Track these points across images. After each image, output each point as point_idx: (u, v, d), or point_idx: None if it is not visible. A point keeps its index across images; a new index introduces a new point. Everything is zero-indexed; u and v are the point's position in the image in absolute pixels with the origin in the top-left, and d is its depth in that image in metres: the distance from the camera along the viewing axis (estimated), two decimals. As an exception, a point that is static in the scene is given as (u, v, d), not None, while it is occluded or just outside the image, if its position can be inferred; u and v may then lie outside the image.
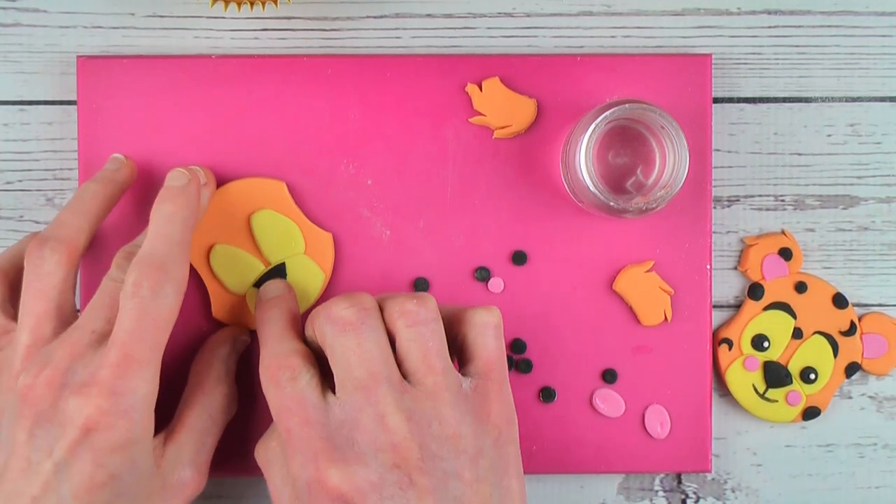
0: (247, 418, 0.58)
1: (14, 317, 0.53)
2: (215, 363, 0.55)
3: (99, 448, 0.47)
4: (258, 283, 0.57)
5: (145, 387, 0.48)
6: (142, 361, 0.48)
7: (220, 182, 0.58)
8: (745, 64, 0.60)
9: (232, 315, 0.58)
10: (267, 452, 0.50)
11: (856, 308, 0.60)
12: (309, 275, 0.57)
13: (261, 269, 0.57)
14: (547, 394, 0.59)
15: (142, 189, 0.58)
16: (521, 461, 0.50)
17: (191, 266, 0.57)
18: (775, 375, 0.59)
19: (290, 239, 0.57)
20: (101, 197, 0.54)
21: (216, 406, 0.54)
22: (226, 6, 0.56)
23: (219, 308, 0.58)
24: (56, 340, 0.49)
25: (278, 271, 0.57)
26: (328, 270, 0.58)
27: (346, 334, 0.48)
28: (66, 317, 0.51)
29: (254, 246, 0.57)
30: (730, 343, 0.59)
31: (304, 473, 0.46)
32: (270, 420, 0.58)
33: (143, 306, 0.48)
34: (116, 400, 0.47)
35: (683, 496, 0.60)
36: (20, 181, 0.59)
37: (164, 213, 0.51)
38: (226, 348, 0.56)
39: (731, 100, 0.60)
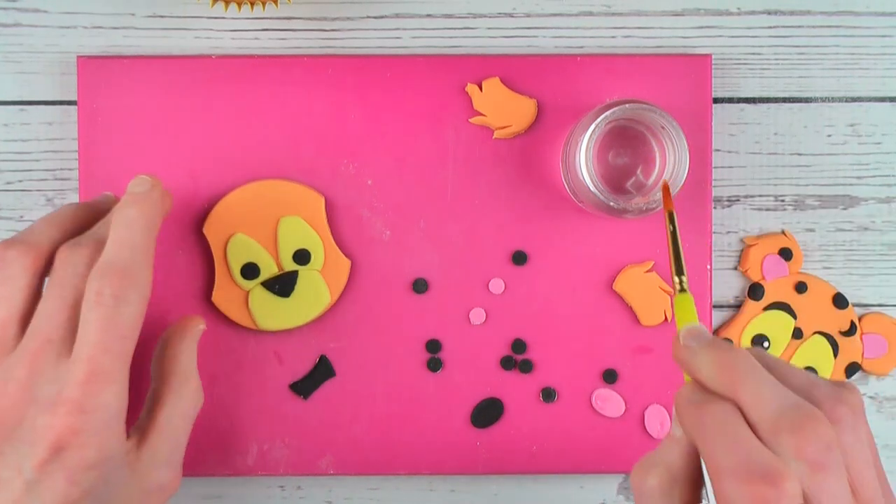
0: (247, 417, 0.58)
1: None
2: (180, 358, 0.53)
3: (71, 466, 0.46)
4: (266, 284, 0.57)
5: (116, 402, 0.47)
6: (110, 375, 0.46)
7: (233, 184, 0.58)
8: (745, 64, 0.60)
9: (230, 305, 0.58)
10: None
11: (856, 308, 0.60)
12: (316, 293, 0.57)
13: (273, 271, 0.57)
14: (547, 394, 0.59)
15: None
16: None
17: (206, 249, 0.58)
18: (775, 375, 0.59)
19: (311, 253, 0.57)
20: (81, 214, 0.52)
21: (186, 404, 0.52)
22: (226, 6, 0.56)
23: (219, 295, 0.58)
24: (16, 352, 0.48)
25: (289, 279, 0.57)
26: (336, 295, 0.58)
27: None
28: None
29: (274, 247, 0.57)
30: (730, 343, 0.59)
31: None
32: (270, 419, 0.58)
33: (107, 316, 0.46)
34: (87, 418, 0.46)
35: (683, 496, 0.60)
36: (20, 181, 0.59)
37: (127, 218, 0.49)
38: (186, 341, 0.53)
39: (731, 100, 0.60)
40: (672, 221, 0.48)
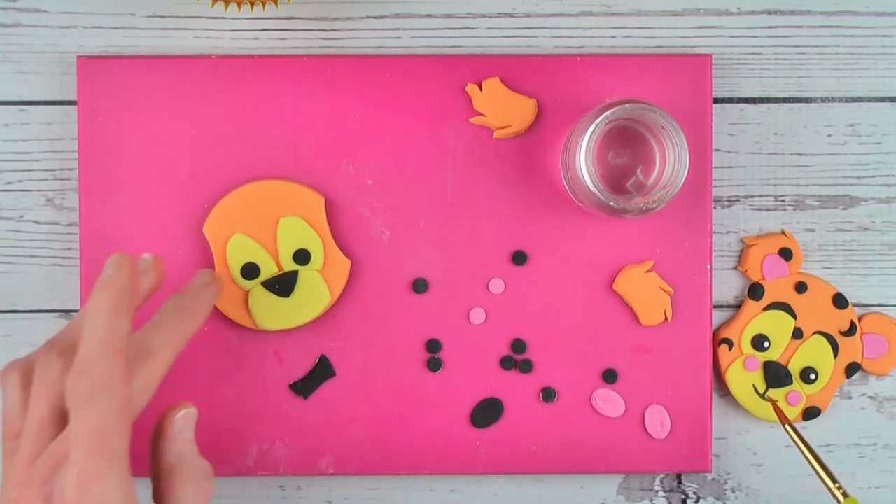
0: (247, 417, 0.58)
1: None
2: (167, 457, 0.51)
3: None
4: (266, 284, 0.57)
5: (116, 492, 0.46)
6: (102, 473, 0.46)
7: (233, 184, 0.58)
8: (745, 64, 0.60)
9: (229, 305, 0.58)
10: None
11: (856, 308, 0.60)
12: (317, 293, 0.58)
13: (273, 271, 0.58)
14: (547, 394, 0.59)
15: (140, 190, 0.58)
16: None
17: (206, 249, 0.58)
18: (775, 375, 0.59)
19: (311, 253, 0.57)
20: (123, 312, 0.50)
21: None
22: (226, 6, 0.56)
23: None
24: (43, 455, 0.48)
25: (289, 279, 0.57)
26: (336, 295, 0.58)
27: None
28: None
29: (274, 247, 0.57)
30: (730, 343, 0.59)
31: None
32: (270, 419, 0.58)
33: (85, 418, 0.46)
34: None
35: (683, 496, 0.60)
36: (20, 181, 0.60)
37: (91, 310, 0.48)
38: (173, 433, 0.52)
39: (731, 100, 0.60)
40: (797, 433, 0.56)
